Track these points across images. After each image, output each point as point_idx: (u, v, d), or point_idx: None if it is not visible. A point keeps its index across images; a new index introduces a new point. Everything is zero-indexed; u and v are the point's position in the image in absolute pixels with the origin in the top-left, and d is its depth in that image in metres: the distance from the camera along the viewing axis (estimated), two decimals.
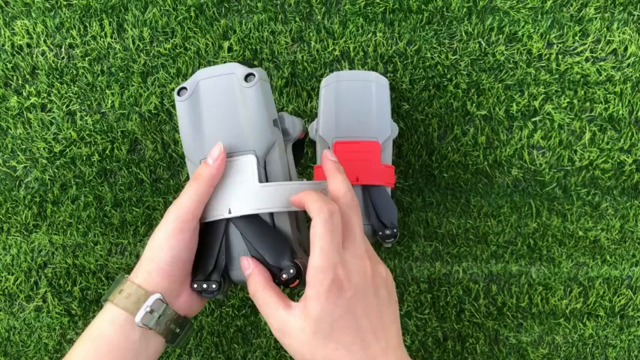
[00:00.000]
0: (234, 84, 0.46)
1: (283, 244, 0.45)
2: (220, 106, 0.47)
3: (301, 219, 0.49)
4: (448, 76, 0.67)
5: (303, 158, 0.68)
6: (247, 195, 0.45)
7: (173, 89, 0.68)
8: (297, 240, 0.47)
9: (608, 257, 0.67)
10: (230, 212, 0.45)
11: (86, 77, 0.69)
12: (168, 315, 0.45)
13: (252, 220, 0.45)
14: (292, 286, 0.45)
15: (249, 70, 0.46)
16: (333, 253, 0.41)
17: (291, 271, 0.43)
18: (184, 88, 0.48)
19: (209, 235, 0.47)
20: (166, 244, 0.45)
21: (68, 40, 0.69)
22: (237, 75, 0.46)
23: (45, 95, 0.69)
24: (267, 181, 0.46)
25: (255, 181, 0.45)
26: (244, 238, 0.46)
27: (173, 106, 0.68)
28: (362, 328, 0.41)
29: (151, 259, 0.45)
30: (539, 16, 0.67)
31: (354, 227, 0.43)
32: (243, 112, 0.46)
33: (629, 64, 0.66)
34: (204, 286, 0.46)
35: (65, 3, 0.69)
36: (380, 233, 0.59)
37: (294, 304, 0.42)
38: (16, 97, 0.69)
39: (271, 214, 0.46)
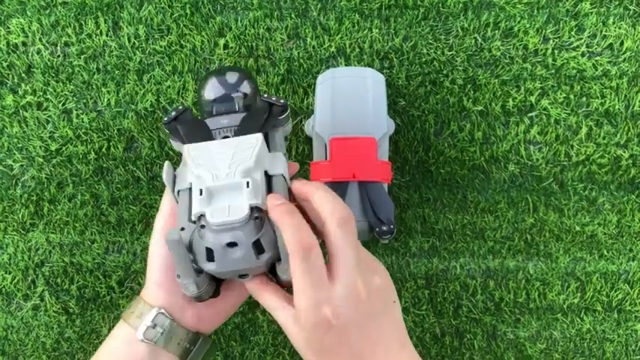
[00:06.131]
0: None
1: None
2: None
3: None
4: (444, 71, 0.67)
5: (300, 155, 0.68)
6: None
7: (169, 87, 0.68)
8: None
9: (605, 252, 0.67)
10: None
11: (82, 75, 0.69)
12: (174, 330, 0.43)
13: None
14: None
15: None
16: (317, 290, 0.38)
17: None
18: None
19: None
20: (156, 253, 0.44)
21: (64, 39, 0.69)
22: None
23: (41, 94, 0.69)
24: None
25: None
26: None
27: (169, 104, 0.68)
28: (359, 351, 0.39)
29: (147, 272, 0.45)
30: (535, 11, 0.67)
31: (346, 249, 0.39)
32: None
33: (625, 59, 0.66)
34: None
35: (60, 1, 0.68)
36: (377, 230, 0.59)
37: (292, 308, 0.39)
38: (11, 96, 0.69)
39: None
